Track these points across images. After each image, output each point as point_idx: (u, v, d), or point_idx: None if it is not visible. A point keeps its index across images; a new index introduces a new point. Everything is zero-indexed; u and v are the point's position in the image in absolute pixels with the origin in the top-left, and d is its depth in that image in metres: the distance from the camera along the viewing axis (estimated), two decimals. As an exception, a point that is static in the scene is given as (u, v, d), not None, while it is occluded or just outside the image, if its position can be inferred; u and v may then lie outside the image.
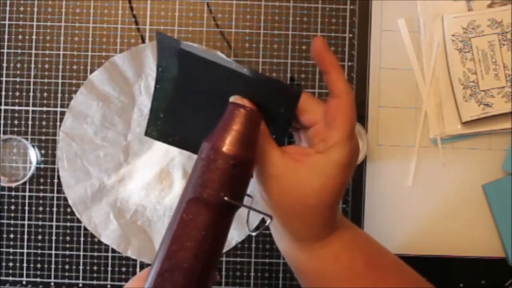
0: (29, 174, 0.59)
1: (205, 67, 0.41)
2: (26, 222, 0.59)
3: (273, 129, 0.42)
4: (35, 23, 0.59)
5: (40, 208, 0.59)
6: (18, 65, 0.59)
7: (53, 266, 0.59)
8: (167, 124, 0.45)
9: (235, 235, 0.59)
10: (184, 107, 0.44)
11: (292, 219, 0.40)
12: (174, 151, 0.58)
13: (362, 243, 0.44)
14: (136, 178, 0.59)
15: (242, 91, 0.41)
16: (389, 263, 0.44)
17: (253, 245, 0.59)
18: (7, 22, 0.59)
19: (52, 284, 0.59)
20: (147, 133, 0.45)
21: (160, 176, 0.59)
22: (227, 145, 0.37)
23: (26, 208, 0.59)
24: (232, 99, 0.41)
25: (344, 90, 0.40)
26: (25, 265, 0.59)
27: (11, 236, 0.59)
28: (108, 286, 0.59)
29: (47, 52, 0.59)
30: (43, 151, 0.59)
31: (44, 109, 0.59)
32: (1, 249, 0.59)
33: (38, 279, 0.59)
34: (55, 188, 0.59)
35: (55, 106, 0.59)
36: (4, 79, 0.59)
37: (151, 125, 0.45)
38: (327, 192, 0.39)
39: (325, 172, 0.39)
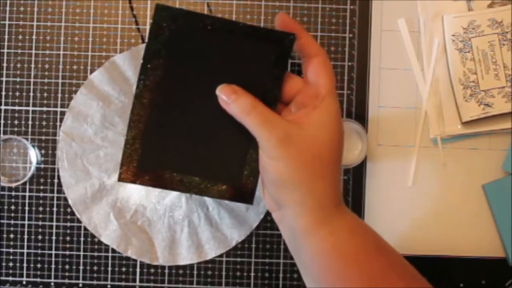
0: (29, 174, 0.59)
1: (199, 35, 0.43)
2: (26, 222, 0.59)
3: (265, 95, 0.44)
4: (35, 23, 0.59)
5: (40, 208, 0.59)
6: (18, 65, 0.59)
7: (53, 266, 0.59)
8: (147, 156, 0.44)
9: (235, 235, 0.59)
10: (170, 123, 0.44)
11: (313, 179, 0.42)
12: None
13: (365, 224, 0.46)
14: (136, 178, 0.59)
15: (237, 53, 0.43)
16: (391, 248, 0.45)
17: (253, 245, 0.59)
18: (7, 22, 0.59)
19: (52, 284, 0.59)
20: (121, 178, 0.44)
21: (160, 176, 0.59)
22: None
23: (26, 208, 0.59)
24: (219, 88, 0.43)
25: (320, 48, 0.44)
26: (25, 265, 0.59)
27: (11, 236, 0.59)
28: (108, 286, 0.59)
29: (47, 52, 0.59)
30: (43, 151, 0.59)
31: (44, 109, 0.59)
32: (1, 249, 0.59)
33: (38, 279, 0.59)
34: (55, 188, 0.59)
35: (55, 106, 0.59)
36: (4, 79, 0.59)
37: (125, 163, 0.44)
38: (334, 142, 0.43)
39: (328, 122, 0.42)
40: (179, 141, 0.44)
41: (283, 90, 0.45)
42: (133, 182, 0.44)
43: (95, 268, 0.59)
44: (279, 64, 0.44)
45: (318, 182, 0.42)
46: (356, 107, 0.60)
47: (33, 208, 0.59)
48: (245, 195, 0.46)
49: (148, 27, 0.60)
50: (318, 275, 0.43)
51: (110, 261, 0.59)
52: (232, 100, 0.43)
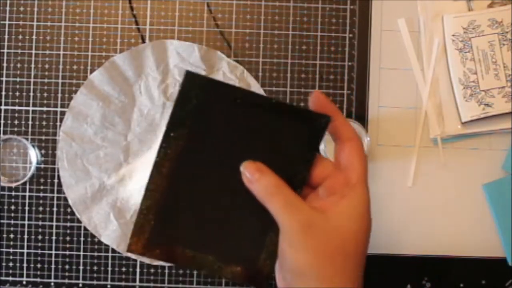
0: (29, 174, 0.59)
1: (227, 108, 0.41)
2: (26, 222, 0.59)
3: (293, 176, 0.41)
4: (35, 23, 0.59)
5: (40, 208, 0.59)
6: (18, 65, 0.59)
7: (53, 266, 0.59)
8: (160, 229, 0.41)
9: (235, 235, 0.59)
10: (186, 199, 0.41)
11: (333, 273, 0.39)
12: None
13: None
14: (136, 178, 0.59)
15: (266, 130, 0.41)
16: None
17: (253, 245, 0.59)
18: (7, 22, 0.59)
19: (52, 284, 0.59)
20: (130, 249, 0.41)
21: (160, 176, 0.59)
22: None
23: (26, 208, 0.59)
24: (244, 165, 0.41)
25: (354, 132, 0.42)
26: (25, 265, 0.59)
27: (11, 236, 0.59)
28: (108, 286, 0.59)
29: (47, 52, 0.59)
30: (43, 151, 0.59)
31: (44, 109, 0.59)
32: (1, 249, 0.59)
33: (38, 279, 0.59)
34: (55, 188, 0.59)
35: (55, 106, 0.59)
36: (4, 79, 0.59)
37: (136, 234, 0.41)
38: (362, 232, 0.40)
39: (357, 212, 0.40)
40: (196, 216, 0.41)
41: (312, 173, 0.42)
42: (142, 254, 0.42)
43: (95, 268, 0.59)
44: (310, 146, 0.42)
45: (337, 277, 0.39)
46: (356, 107, 0.60)
47: (33, 208, 0.59)
48: (259, 279, 0.43)
49: (148, 27, 0.60)
50: None
51: (110, 261, 0.59)
52: (256, 179, 0.40)
